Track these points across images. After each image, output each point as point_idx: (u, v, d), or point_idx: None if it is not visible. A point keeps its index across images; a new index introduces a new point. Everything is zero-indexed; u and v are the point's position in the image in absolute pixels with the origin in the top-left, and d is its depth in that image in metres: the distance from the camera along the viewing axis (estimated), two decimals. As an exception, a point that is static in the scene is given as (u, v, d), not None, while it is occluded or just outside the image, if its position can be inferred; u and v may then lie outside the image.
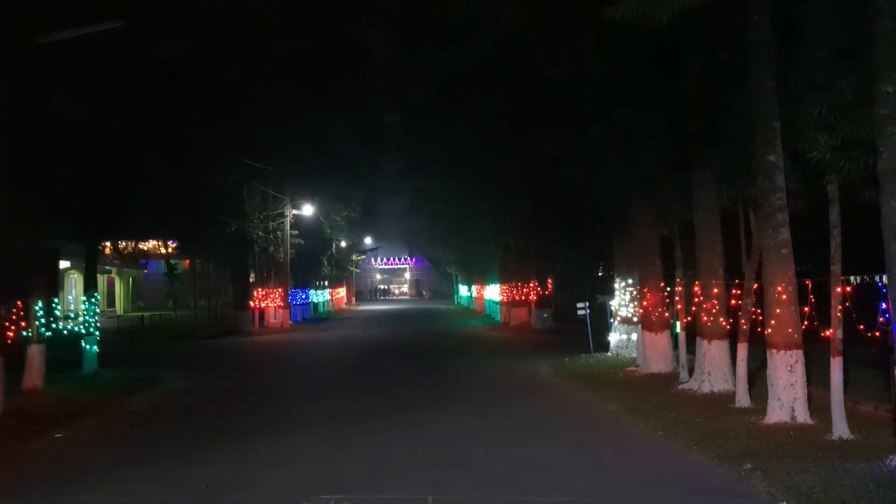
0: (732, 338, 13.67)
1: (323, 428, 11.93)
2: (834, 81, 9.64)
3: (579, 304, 23.13)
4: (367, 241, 79.35)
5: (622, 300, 20.30)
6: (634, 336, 19.41)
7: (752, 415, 11.57)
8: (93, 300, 19.05)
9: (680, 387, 14.81)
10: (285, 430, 11.75)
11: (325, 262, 54.77)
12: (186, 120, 22.90)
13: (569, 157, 18.36)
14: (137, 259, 50.33)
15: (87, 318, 18.73)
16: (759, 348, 12.07)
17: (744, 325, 12.68)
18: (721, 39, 12.48)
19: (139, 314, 40.77)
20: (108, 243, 39.86)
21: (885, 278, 9.01)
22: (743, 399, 12.48)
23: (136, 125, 19.61)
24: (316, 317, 49.41)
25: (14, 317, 14.23)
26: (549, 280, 34.27)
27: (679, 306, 15.77)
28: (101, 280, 42.88)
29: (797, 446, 9.53)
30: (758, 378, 13.18)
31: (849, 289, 10.26)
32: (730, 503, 7.82)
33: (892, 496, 7.42)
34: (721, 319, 14.09)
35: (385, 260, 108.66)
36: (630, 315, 19.75)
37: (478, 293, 54.85)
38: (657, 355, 17.18)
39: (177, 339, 30.69)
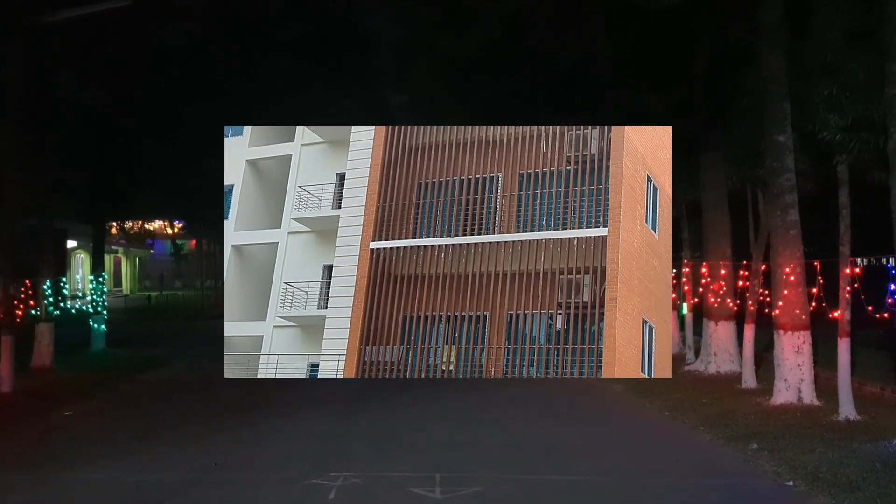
0: (739, 319, 13.69)
1: (331, 407, 12.02)
2: (845, 62, 9.61)
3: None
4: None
5: (628, 281, 20.25)
6: (640, 317, 19.42)
7: (759, 396, 11.60)
8: (100, 280, 19.12)
9: (686, 368, 14.86)
10: (294, 409, 11.81)
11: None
12: (193, 99, 22.82)
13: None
14: (144, 239, 50.44)
15: (94, 297, 18.81)
16: (766, 330, 12.09)
17: (751, 306, 12.70)
18: (731, 20, 12.39)
19: (146, 294, 40.89)
20: (114, 223, 39.91)
21: (893, 260, 9.01)
22: (749, 380, 12.50)
23: (142, 105, 19.57)
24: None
25: (23, 296, 14.30)
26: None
27: (686, 287, 15.77)
28: (108, 260, 42.99)
29: (804, 427, 9.56)
30: (764, 359, 13.21)
31: (857, 270, 10.23)
32: (737, 483, 7.84)
33: (899, 476, 7.44)
34: (728, 301, 14.10)
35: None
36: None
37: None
38: (663, 336, 17.19)
39: (184, 319, 30.74)
